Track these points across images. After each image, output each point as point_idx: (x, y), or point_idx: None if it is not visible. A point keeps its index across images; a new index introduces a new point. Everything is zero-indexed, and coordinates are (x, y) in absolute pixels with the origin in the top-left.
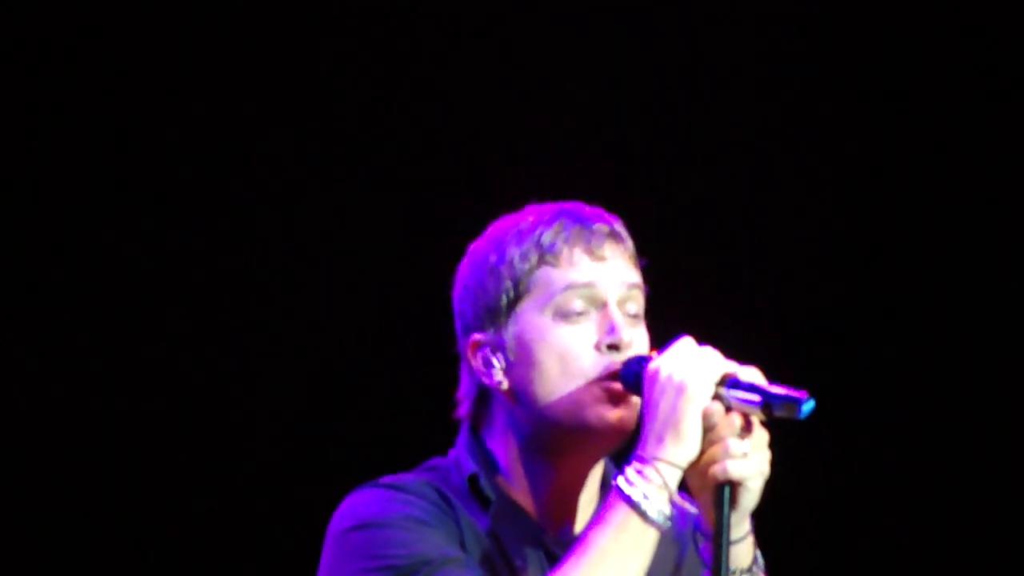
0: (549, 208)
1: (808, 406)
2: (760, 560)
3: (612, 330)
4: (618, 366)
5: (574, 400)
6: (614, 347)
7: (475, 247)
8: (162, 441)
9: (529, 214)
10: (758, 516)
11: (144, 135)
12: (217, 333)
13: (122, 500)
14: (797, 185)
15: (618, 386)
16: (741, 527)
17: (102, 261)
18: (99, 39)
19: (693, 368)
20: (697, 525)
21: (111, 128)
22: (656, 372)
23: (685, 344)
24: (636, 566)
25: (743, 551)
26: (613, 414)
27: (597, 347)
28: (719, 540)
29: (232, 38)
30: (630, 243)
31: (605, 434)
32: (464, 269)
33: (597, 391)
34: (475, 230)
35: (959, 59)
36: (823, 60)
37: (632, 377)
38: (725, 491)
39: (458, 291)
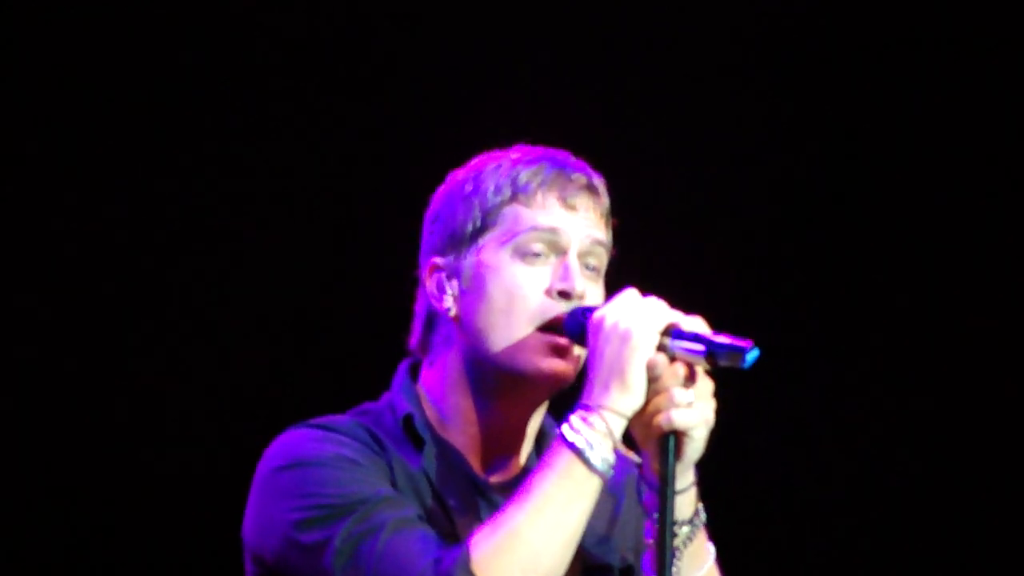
0: (535, 150)
1: (752, 355)
2: (702, 512)
3: (565, 277)
4: (563, 313)
5: (513, 341)
6: (564, 294)
7: (454, 175)
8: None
9: (514, 151)
10: (703, 467)
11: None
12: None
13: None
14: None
15: (561, 339)
16: (685, 477)
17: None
18: None
19: (638, 317)
20: (639, 475)
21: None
22: (601, 321)
23: (629, 294)
24: (578, 513)
25: (686, 502)
26: (548, 364)
27: (548, 292)
28: (664, 490)
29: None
30: (606, 201)
31: (537, 383)
32: (439, 195)
33: (537, 339)
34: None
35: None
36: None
37: (576, 326)
38: (670, 441)
39: (429, 215)
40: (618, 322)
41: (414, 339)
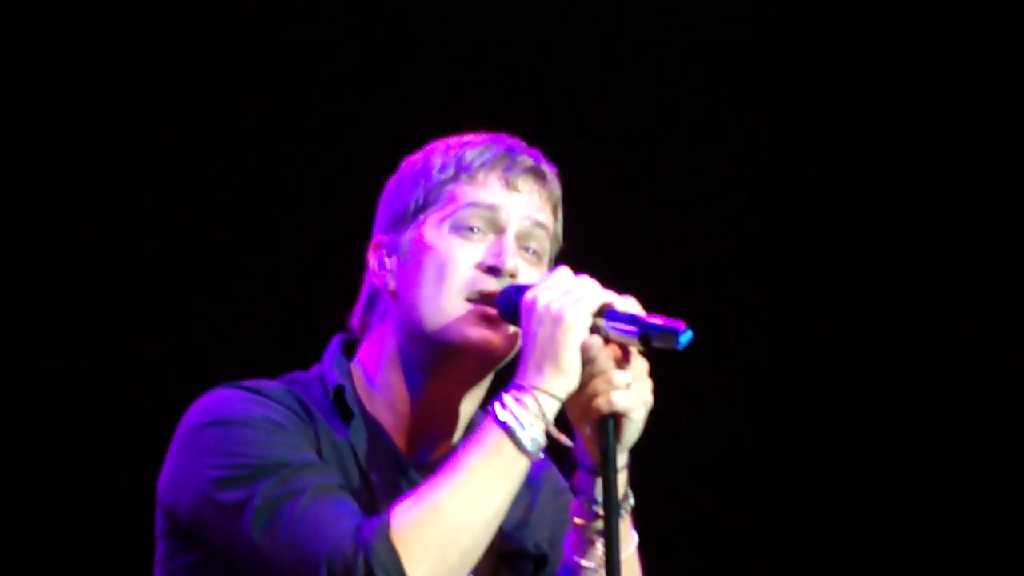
0: (487, 134)
1: (686, 336)
2: (631, 497)
3: (497, 253)
4: (490, 288)
5: (442, 312)
6: (493, 269)
7: (408, 158)
8: None
9: (467, 135)
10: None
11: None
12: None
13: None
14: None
15: (489, 309)
16: (619, 459)
17: None
18: None
19: (570, 298)
20: (571, 454)
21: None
22: (533, 301)
23: (561, 274)
24: (503, 491)
25: (618, 484)
26: (476, 333)
27: (479, 266)
28: (605, 472)
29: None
30: (554, 187)
31: (465, 353)
32: (393, 177)
33: (466, 310)
34: None
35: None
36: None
37: (509, 305)
38: (609, 423)
39: (382, 198)
40: (550, 303)
41: (355, 317)
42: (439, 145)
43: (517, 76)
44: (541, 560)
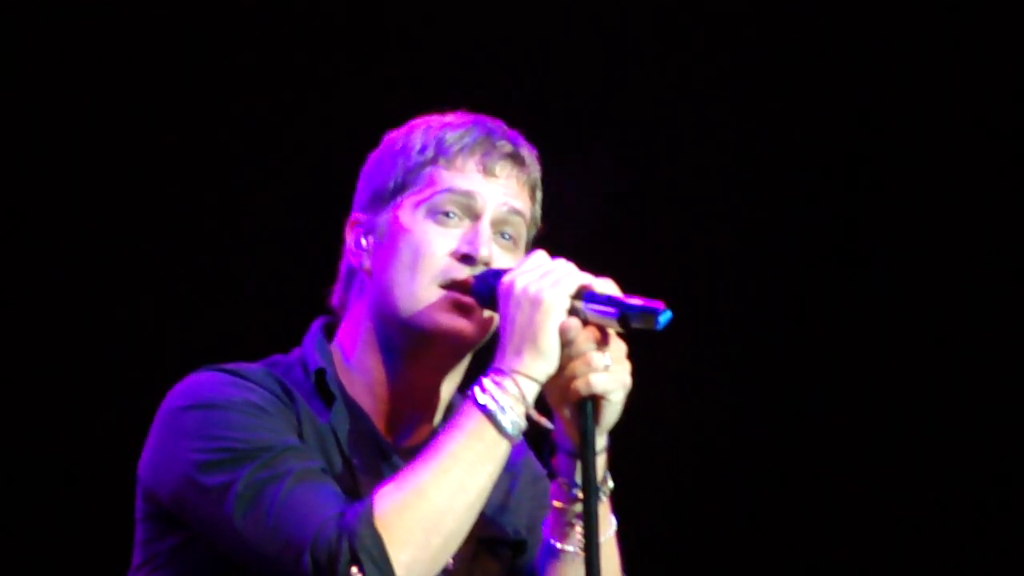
0: (469, 115)
1: (665, 317)
2: (609, 480)
3: (471, 241)
4: (464, 276)
5: (415, 298)
6: (467, 258)
7: (390, 134)
8: None
9: (450, 115)
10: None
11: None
12: None
13: None
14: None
15: (464, 298)
16: (598, 442)
17: None
18: None
19: (548, 281)
20: (551, 438)
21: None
22: (510, 285)
23: (538, 257)
24: (485, 475)
25: (597, 467)
26: (449, 321)
27: (453, 254)
28: (584, 455)
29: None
30: (534, 172)
31: (438, 341)
32: (374, 152)
33: (441, 297)
34: None
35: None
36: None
37: (486, 289)
38: (588, 405)
39: (362, 173)
40: (528, 286)
41: (335, 297)
42: (421, 123)
43: (507, 63)
44: (520, 546)
